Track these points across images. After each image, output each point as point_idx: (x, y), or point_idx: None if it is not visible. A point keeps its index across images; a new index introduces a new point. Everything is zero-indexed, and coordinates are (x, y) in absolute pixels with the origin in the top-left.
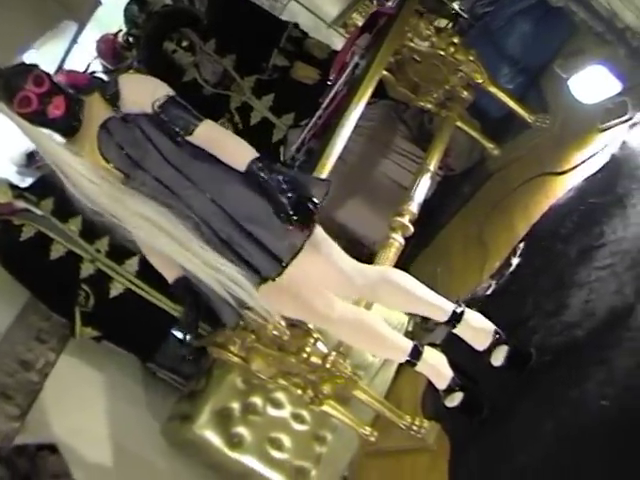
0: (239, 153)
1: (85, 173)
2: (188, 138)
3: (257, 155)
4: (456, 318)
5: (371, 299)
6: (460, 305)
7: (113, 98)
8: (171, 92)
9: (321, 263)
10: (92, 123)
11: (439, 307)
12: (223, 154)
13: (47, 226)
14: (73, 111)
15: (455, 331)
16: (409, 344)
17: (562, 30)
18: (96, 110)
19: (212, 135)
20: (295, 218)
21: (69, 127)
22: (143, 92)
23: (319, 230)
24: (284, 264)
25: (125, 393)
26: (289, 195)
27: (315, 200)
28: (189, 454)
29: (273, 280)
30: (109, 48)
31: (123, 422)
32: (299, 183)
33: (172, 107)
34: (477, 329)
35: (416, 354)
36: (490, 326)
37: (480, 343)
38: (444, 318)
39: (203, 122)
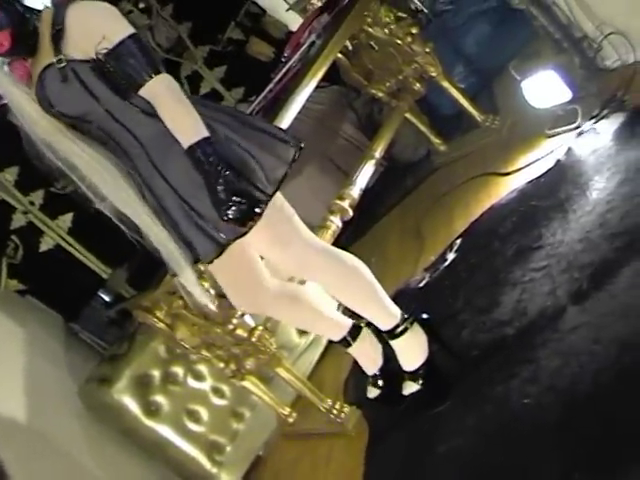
0: (186, 128)
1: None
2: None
3: (206, 136)
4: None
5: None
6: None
7: (56, 37)
8: (129, 31)
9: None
10: (40, 56)
11: (388, 312)
12: (168, 121)
13: None
14: (23, 39)
15: (392, 343)
16: (348, 322)
17: (520, 35)
18: (42, 43)
19: (162, 97)
20: (230, 218)
21: (25, 52)
22: (92, 32)
23: (278, 197)
24: (222, 246)
25: (45, 351)
26: (233, 199)
27: (258, 210)
28: (104, 418)
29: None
30: None
31: (40, 379)
32: (246, 186)
33: (124, 54)
34: (411, 352)
35: (354, 333)
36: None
37: (409, 365)
38: (387, 327)
39: (157, 77)
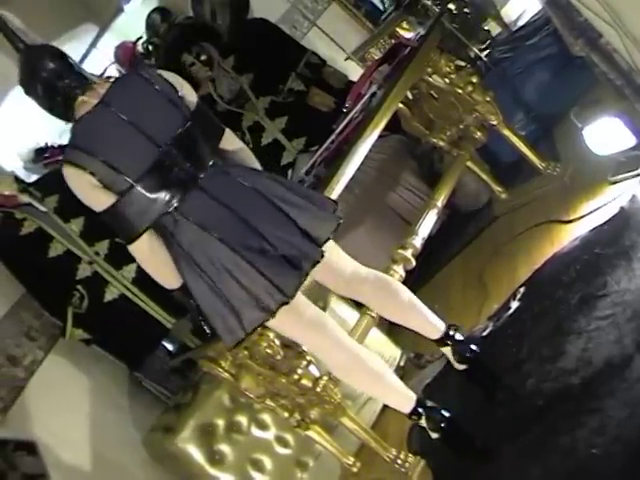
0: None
1: None
2: None
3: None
4: (449, 337)
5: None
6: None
7: None
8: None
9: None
10: None
11: (433, 323)
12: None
13: (48, 223)
14: None
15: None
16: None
17: (580, 82)
18: None
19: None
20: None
21: None
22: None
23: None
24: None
25: (110, 399)
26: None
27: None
28: (169, 467)
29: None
30: (127, 55)
31: (105, 428)
32: None
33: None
34: None
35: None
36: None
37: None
38: (436, 335)
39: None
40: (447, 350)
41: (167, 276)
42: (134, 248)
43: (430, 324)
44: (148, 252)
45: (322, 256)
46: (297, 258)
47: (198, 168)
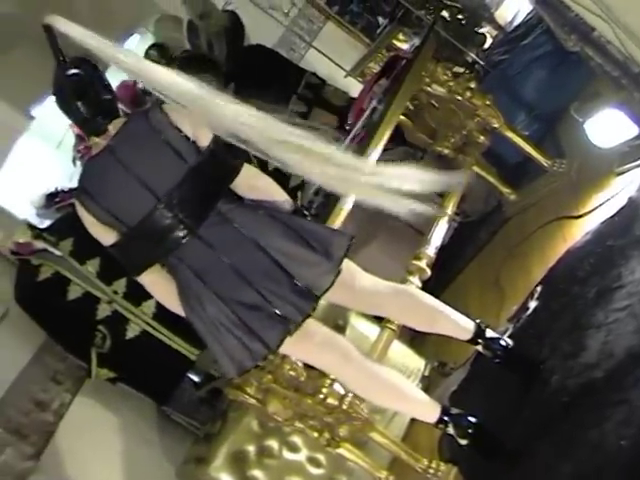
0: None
1: None
2: None
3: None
4: (480, 334)
5: (382, 311)
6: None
7: None
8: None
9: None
10: None
11: (461, 325)
12: None
13: (65, 267)
14: None
15: (479, 348)
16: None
17: (578, 76)
18: None
19: None
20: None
21: None
22: None
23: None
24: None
25: (140, 436)
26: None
27: None
28: None
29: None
30: (128, 93)
31: (138, 465)
32: None
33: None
34: None
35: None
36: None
37: None
38: (468, 336)
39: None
40: (480, 348)
41: (175, 307)
42: (140, 279)
43: (459, 325)
44: (153, 284)
45: (314, 309)
46: (290, 314)
47: (197, 218)
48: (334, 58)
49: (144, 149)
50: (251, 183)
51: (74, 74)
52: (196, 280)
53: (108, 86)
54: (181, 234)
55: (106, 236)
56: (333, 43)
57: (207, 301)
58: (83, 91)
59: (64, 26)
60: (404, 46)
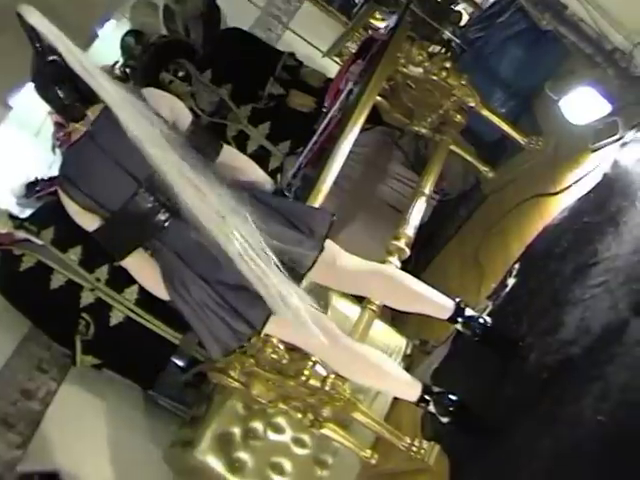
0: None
1: None
2: None
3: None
4: (459, 313)
5: (363, 291)
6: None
7: None
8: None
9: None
10: None
11: (441, 304)
12: None
13: (47, 256)
14: None
15: (459, 327)
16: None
17: (553, 53)
18: None
19: None
20: None
21: None
22: None
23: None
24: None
25: (126, 421)
26: None
27: None
28: (192, 479)
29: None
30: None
31: (125, 449)
32: None
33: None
34: None
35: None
36: None
37: None
38: (447, 314)
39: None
40: (459, 327)
41: (159, 290)
42: (124, 264)
43: (439, 305)
44: (137, 268)
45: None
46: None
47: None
48: (311, 38)
49: (123, 134)
50: (231, 164)
51: (51, 61)
52: (179, 262)
53: (75, 99)
54: (163, 217)
55: (89, 222)
56: (310, 23)
57: (191, 283)
58: (61, 77)
59: (36, 20)
60: (381, 25)
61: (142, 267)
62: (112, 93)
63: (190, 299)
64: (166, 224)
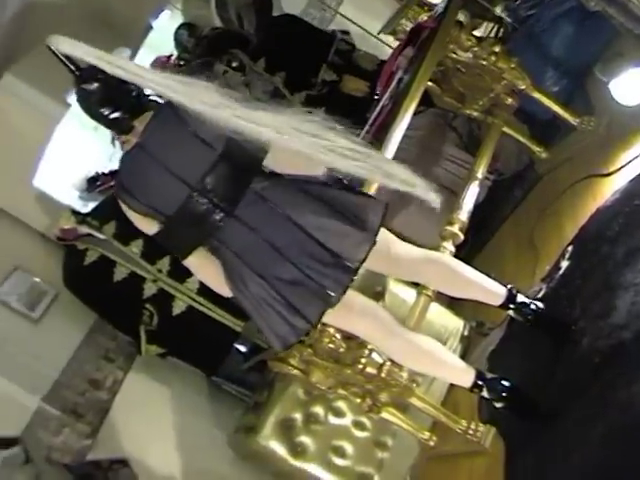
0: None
1: None
2: None
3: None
4: (512, 300)
5: (417, 278)
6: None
7: None
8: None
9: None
10: None
11: (493, 291)
12: None
13: (110, 249)
14: None
15: (511, 313)
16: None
17: (605, 31)
18: None
19: None
20: None
21: None
22: None
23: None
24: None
25: (191, 406)
26: None
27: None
28: (256, 464)
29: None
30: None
31: (191, 435)
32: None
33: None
34: None
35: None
36: None
37: None
38: (499, 301)
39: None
40: (512, 313)
41: (220, 288)
42: (187, 263)
43: (491, 292)
44: (199, 267)
45: (352, 280)
46: (329, 287)
47: (232, 200)
48: (367, 14)
49: (172, 142)
50: (282, 158)
51: (92, 85)
52: (237, 260)
53: (127, 84)
54: (218, 217)
55: (149, 226)
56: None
57: (249, 280)
58: (104, 97)
59: (68, 48)
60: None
61: (204, 265)
62: (165, 84)
63: (249, 294)
64: (221, 224)
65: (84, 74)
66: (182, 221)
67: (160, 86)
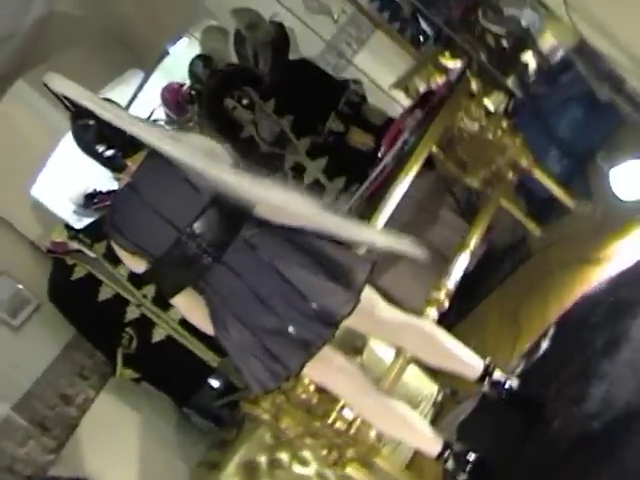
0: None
1: None
2: None
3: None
4: (488, 375)
5: (397, 343)
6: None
7: None
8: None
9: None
10: None
11: (470, 364)
12: None
13: (98, 268)
14: None
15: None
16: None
17: (612, 120)
18: None
19: None
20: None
21: None
22: None
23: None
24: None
25: (158, 435)
26: None
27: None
28: None
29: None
30: (173, 98)
31: (153, 463)
32: None
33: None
34: None
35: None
36: None
37: None
38: (475, 375)
39: None
40: (486, 388)
41: (205, 327)
42: (173, 302)
43: (468, 365)
44: (185, 306)
45: (334, 335)
46: (310, 340)
47: (221, 245)
48: (383, 66)
49: (164, 184)
50: (272, 207)
51: (87, 121)
52: (221, 304)
53: (112, 155)
54: (206, 262)
55: (137, 265)
56: (381, 52)
57: (230, 325)
58: (99, 135)
59: (61, 86)
60: (451, 64)
61: (190, 305)
62: (153, 135)
63: (231, 338)
64: (209, 268)
65: (80, 110)
66: (170, 263)
67: (149, 138)
